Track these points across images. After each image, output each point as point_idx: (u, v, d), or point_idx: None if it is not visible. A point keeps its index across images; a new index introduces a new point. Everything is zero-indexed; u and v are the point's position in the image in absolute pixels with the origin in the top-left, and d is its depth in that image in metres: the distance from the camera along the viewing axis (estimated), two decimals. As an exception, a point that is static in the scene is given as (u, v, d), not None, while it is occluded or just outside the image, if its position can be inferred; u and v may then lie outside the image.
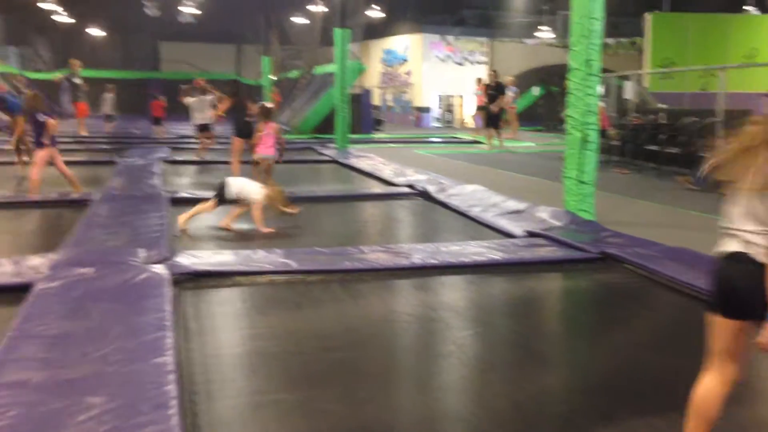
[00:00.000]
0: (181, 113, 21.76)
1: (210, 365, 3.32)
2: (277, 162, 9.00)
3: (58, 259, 4.88)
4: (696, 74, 17.63)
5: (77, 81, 16.53)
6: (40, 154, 8.10)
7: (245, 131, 9.79)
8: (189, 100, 13.13)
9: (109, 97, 19.55)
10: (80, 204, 7.48)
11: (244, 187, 6.62)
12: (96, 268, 4.63)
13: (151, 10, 25.59)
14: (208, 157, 12.79)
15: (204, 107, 13.00)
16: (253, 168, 9.03)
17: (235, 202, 6.59)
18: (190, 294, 4.47)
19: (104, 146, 15.31)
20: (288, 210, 6.68)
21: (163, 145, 15.17)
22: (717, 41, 19.10)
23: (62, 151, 12.33)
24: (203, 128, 13.25)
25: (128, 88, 29.31)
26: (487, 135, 15.72)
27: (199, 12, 26.12)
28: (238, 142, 9.97)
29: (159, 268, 4.67)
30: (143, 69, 32.44)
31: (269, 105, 9.23)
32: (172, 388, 2.84)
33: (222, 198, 6.53)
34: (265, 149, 8.75)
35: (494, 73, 16.33)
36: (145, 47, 33.62)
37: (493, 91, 15.38)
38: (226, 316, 4.16)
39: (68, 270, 4.59)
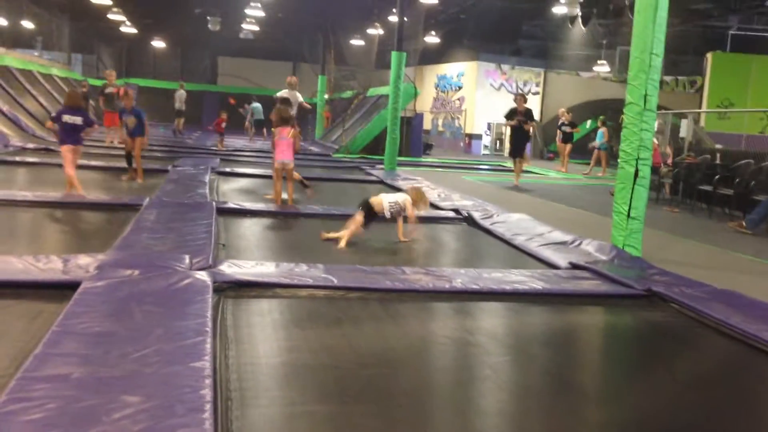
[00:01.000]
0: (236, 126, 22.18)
1: (246, 373, 3.34)
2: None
3: (105, 260, 4.99)
4: (756, 116, 17.27)
5: (109, 91, 16.92)
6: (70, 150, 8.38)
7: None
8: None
9: (179, 94, 20.00)
10: (131, 208, 7.66)
11: (397, 201, 7.16)
12: (141, 270, 4.72)
13: (212, 25, 26.21)
14: (253, 169, 12.96)
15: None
16: (274, 174, 9.11)
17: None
18: (230, 302, 4.52)
19: (158, 154, 15.66)
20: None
21: (214, 157, 15.45)
22: (779, 84, 18.68)
23: (112, 156, 12.71)
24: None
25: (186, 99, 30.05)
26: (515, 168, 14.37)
27: (258, 29, 26.66)
28: None
29: (202, 275, 4.74)
30: (201, 81, 33.23)
31: (286, 112, 9.33)
32: (207, 393, 2.87)
33: (371, 216, 7.01)
34: (282, 154, 8.83)
35: (521, 97, 14.48)
36: (204, 61, 34.47)
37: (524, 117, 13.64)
38: (264, 326, 4.19)
39: (114, 271, 4.69)
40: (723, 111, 17.52)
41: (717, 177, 10.74)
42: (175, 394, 2.84)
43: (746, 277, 6.27)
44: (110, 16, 25.13)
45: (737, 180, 10.46)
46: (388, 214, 7.07)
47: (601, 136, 17.71)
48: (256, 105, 23.76)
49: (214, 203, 8.21)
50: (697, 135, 14.26)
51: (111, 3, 23.48)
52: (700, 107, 19.23)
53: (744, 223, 9.08)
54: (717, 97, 19.09)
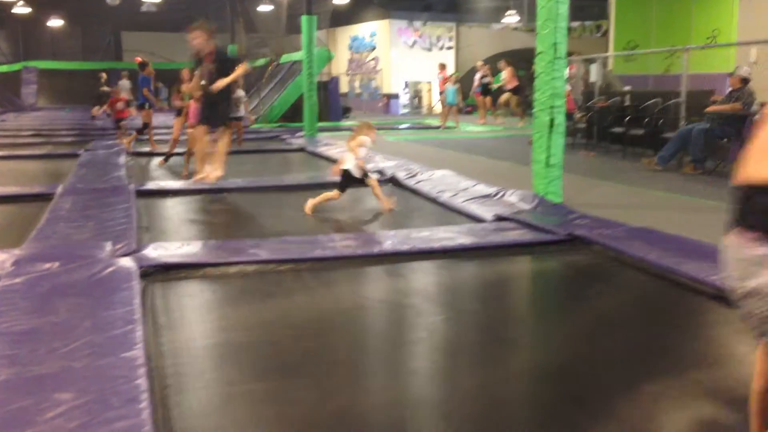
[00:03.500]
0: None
1: (181, 358, 3.30)
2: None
3: (21, 255, 4.79)
4: (660, 56, 17.82)
5: None
6: None
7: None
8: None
9: (123, 84, 18.96)
10: (44, 197, 7.35)
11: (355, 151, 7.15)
12: (61, 262, 4.56)
13: (111, 0, 25.13)
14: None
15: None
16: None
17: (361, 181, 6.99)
18: (159, 286, 4.42)
19: (67, 138, 15.04)
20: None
21: (127, 136, 14.92)
22: (680, 23, 19.29)
23: (23, 144, 12.15)
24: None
25: (89, 79, 28.86)
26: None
27: (160, 0, 25.70)
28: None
29: (126, 261, 4.61)
30: (104, 59, 31.92)
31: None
32: (142, 382, 2.82)
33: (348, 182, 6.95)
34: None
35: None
36: (106, 37, 33.07)
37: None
38: (196, 308, 4.13)
39: (32, 265, 4.51)
40: (630, 53, 18.00)
41: (628, 118, 11.09)
42: (109, 386, 2.78)
43: (661, 212, 6.54)
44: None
45: (647, 120, 10.83)
46: (357, 172, 7.01)
47: (454, 92, 17.69)
48: (124, 82, 22.60)
49: (132, 186, 7.96)
50: (606, 78, 14.64)
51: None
52: (607, 51, 19.72)
53: (656, 161, 9.44)
54: (622, 40, 19.59)
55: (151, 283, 4.45)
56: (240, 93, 13.62)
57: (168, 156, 10.70)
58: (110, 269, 4.43)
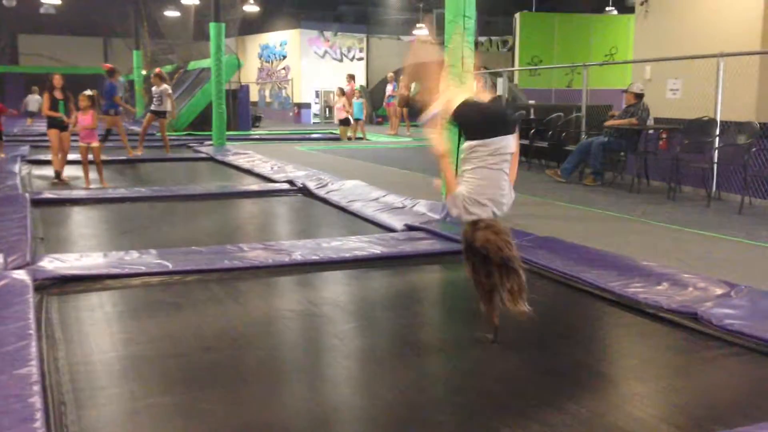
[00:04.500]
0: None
1: (79, 373, 3.14)
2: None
3: None
4: (562, 71, 18.51)
5: None
6: None
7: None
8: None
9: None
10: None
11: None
12: (-52, 275, 4.28)
13: (7, 1, 23.95)
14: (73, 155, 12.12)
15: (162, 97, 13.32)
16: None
17: None
18: (55, 300, 4.21)
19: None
20: None
21: (22, 144, 14.25)
22: (580, 40, 20.12)
23: None
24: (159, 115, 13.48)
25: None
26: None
27: (60, 2, 24.68)
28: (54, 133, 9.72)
29: (20, 274, 4.38)
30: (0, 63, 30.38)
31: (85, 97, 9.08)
32: (36, 400, 2.67)
33: None
34: (86, 138, 9.11)
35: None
36: (2, 40, 31.48)
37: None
38: (96, 321, 3.95)
39: None
40: (534, 68, 18.61)
41: (532, 131, 11.44)
42: (0, 406, 2.62)
43: (563, 223, 6.77)
44: None
45: (550, 132, 11.21)
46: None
47: (359, 105, 17.97)
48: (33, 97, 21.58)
49: (27, 194, 7.58)
50: (512, 92, 15.06)
51: None
52: (512, 65, 20.32)
53: (559, 172, 9.77)
54: (527, 55, 20.24)
55: (46, 296, 4.24)
56: (164, 86, 13.31)
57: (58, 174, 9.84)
58: (2, 282, 4.19)
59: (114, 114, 12.74)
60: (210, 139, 15.50)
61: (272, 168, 10.51)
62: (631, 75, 11.09)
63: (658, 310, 4.02)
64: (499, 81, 14.48)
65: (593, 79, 12.06)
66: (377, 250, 5.44)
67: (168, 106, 13.59)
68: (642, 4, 10.37)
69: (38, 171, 10.69)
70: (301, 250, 5.36)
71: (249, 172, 10.78)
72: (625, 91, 9.40)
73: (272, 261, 5.08)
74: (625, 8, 19.79)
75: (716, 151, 8.14)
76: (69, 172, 9.94)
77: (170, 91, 13.71)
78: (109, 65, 14.19)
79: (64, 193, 8.26)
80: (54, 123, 9.54)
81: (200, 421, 2.70)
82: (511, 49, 23.49)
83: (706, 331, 3.71)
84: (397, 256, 5.39)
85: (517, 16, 21.08)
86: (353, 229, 6.54)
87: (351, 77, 19.03)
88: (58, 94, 9.49)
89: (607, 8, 21.40)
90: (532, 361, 3.43)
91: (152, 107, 13.69)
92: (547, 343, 3.67)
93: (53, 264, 4.76)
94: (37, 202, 7.35)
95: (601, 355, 3.60)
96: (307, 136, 18.66)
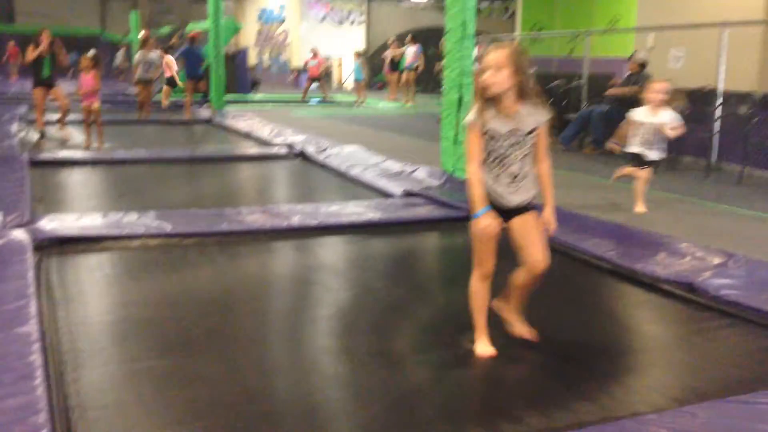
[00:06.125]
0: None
1: (78, 334, 3.16)
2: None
3: None
4: (564, 39, 18.34)
5: None
6: None
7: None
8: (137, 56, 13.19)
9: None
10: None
11: None
12: (-53, 234, 4.28)
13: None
14: (72, 115, 12.06)
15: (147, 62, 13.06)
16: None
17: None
18: (55, 260, 4.22)
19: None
20: None
21: (19, 104, 14.14)
22: (583, 8, 19.88)
23: None
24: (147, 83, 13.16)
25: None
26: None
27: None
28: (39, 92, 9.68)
29: (19, 233, 4.38)
30: (-4, 22, 30.00)
31: (87, 59, 9.04)
32: (36, 358, 2.69)
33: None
34: (87, 98, 9.03)
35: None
36: (-2, -2, 31.07)
37: None
38: (95, 282, 3.96)
39: None
40: (536, 35, 18.44)
41: (533, 99, 11.37)
42: (0, 363, 2.64)
43: (563, 191, 6.72)
44: None
45: (551, 100, 11.14)
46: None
47: (358, 68, 18.25)
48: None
49: (25, 155, 7.55)
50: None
51: None
52: (513, 32, 20.12)
53: (559, 140, 9.75)
54: (529, 22, 20.04)
55: (46, 256, 4.24)
56: (152, 55, 13.18)
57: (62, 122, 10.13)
58: (1, 241, 4.19)
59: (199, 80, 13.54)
60: (209, 102, 15.39)
61: (271, 132, 10.46)
62: (634, 44, 11.01)
63: (654, 280, 4.04)
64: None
65: (595, 48, 11.96)
66: (375, 215, 5.44)
67: (155, 74, 13.47)
68: (647, -29, 10.26)
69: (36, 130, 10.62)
70: (299, 214, 5.36)
71: (248, 135, 10.73)
72: (629, 60, 9.32)
73: (270, 225, 5.09)
74: (630, -25, 19.51)
75: (717, 121, 8.11)
76: (60, 132, 9.91)
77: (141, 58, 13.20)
78: (195, 33, 14.30)
79: (63, 154, 8.23)
80: (39, 81, 9.50)
81: (196, 385, 2.73)
82: (513, 15, 23.23)
83: (702, 301, 3.73)
84: (396, 222, 5.40)
85: (519, -19, 20.82)
86: (352, 194, 6.53)
87: (315, 53, 18.76)
88: (42, 50, 9.30)
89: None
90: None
91: (138, 75, 13.25)
92: (543, 312, 3.68)
93: (52, 224, 4.75)
94: (36, 163, 7.33)
95: (595, 326, 3.61)
96: (305, 100, 18.52)
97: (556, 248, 4.71)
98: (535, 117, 2.90)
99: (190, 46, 13.89)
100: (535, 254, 3.04)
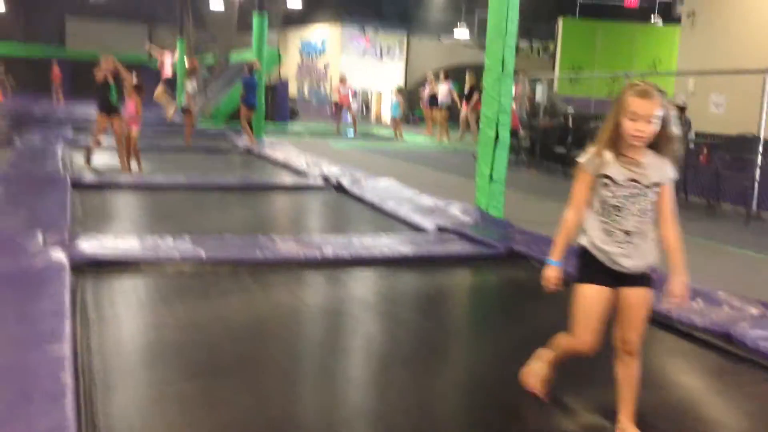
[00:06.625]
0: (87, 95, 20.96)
1: (110, 355, 3.20)
2: None
3: (-54, 242, 4.59)
4: (603, 80, 18.31)
5: None
6: None
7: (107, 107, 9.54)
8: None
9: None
10: (-27, 184, 7.07)
11: None
12: (-12, 251, 4.38)
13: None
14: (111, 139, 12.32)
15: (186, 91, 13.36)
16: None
17: None
18: (91, 281, 4.29)
19: (2, 125, 14.52)
20: None
21: (65, 126, 14.52)
22: (623, 49, 19.88)
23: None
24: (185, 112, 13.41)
25: (29, 65, 27.95)
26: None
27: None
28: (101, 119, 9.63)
29: (57, 253, 4.46)
30: (47, 44, 30.90)
31: (140, 83, 9.20)
32: (68, 379, 2.72)
33: None
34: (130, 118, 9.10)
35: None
36: (50, 22, 32.02)
37: None
38: (129, 304, 4.02)
39: (-43, 253, 4.32)
40: (575, 76, 18.45)
41: (570, 139, 11.34)
42: (32, 382, 2.68)
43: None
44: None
45: (589, 141, 11.09)
46: None
47: (396, 105, 18.32)
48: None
49: (68, 176, 7.73)
50: (551, 99, 14.95)
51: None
52: (553, 72, 20.15)
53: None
54: (568, 62, 20.07)
55: (82, 276, 4.32)
56: (187, 84, 13.44)
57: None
58: (40, 260, 4.28)
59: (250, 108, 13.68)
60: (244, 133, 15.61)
61: (307, 163, 10.56)
62: (674, 87, 10.94)
63: (691, 328, 3.96)
64: (538, 87, 14.37)
65: (635, 90, 11.91)
66: (408, 249, 5.44)
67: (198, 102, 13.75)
68: (689, 16, 10.22)
69: (80, 153, 10.87)
70: (332, 245, 5.38)
71: (284, 165, 10.85)
72: (667, 103, 9.26)
73: (303, 255, 5.11)
74: (671, 19, 19.49)
75: (758, 169, 7.99)
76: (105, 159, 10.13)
77: (188, 88, 13.55)
78: (253, 61, 14.60)
79: (103, 177, 8.41)
80: (104, 107, 9.40)
81: (223, 411, 2.73)
82: (552, 55, 23.29)
83: (739, 352, 3.65)
84: (428, 257, 5.39)
85: (559, 21, 20.91)
86: (385, 227, 6.55)
87: (343, 80, 19.03)
88: (100, 76, 9.40)
89: (652, 18, 21.09)
90: (557, 374, 3.39)
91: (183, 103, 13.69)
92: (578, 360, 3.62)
93: (90, 246, 4.84)
94: (78, 185, 7.49)
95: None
96: (343, 132, 18.69)
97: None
98: (661, 170, 2.53)
99: (250, 75, 14.07)
100: (629, 334, 2.63)
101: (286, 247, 5.27)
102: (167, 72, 14.69)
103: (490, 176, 6.92)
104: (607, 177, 2.54)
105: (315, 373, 3.27)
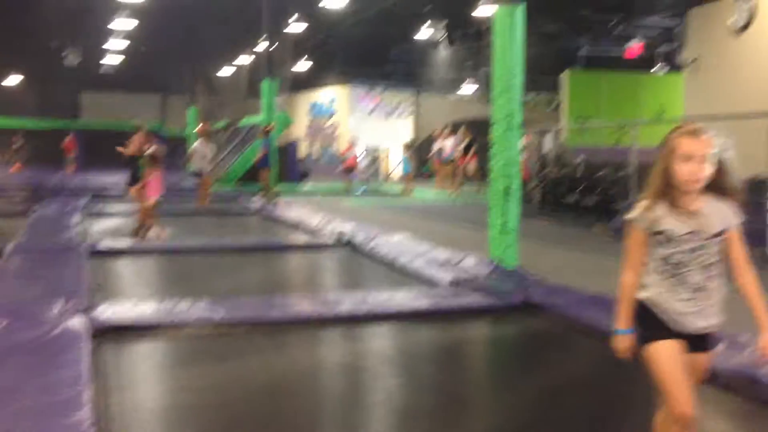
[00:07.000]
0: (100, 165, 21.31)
1: (130, 420, 3.20)
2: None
3: (-33, 313, 4.64)
4: (610, 129, 18.46)
5: None
6: None
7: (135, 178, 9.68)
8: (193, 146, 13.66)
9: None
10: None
11: None
12: (8, 321, 4.42)
13: (70, 59, 25.08)
14: (125, 207, 12.46)
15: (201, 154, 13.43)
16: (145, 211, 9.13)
17: None
18: (110, 347, 4.31)
19: (18, 197, 14.77)
20: None
21: (82, 196, 14.74)
22: (629, 98, 20.11)
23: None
24: (198, 175, 13.52)
25: (44, 137, 28.55)
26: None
27: (121, 61, 25.78)
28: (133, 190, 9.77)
29: (76, 321, 4.50)
30: (62, 118, 31.62)
31: (155, 153, 9.30)
32: (88, 446, 2.73)
33: None
34: (157, 191, 8.99)
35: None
36: (64, 96, 32.84)
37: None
38: (147, 369, 4.03)
39: (-22, 324, 4.37)
40: (582, 126, 18.62)
41: (580, 188, 11.39)
42: (53, 450, 2.69)
43: (614, 280, 6.65)
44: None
45: (599, 190, 11.14)
46: None
47: (406, 160, 18.81)
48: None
49: (85, 245, 7.82)
50: (559, 150, 15.07)
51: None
52: (559, 123, 20.34)
53: (608, 230, 9.67)
54: (574, 113, 20.28)
55: (101, 343, 4.34)
56: (198, 147, 13.55)
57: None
58: (59, 328, 4.31)
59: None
60: (259, 193, 15.79)
61: (319, 221, 10.63)
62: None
63: (714, 372, 3.91)
64: (546, 138, 14.50)
65: (642, 137, 12.00)
66: (423, 304, 5.44)
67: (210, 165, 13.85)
68: (692, 62, 10.37)
69: (96, 221, 11.02)
70: (347, 302, 5.39)
71: (296, 225, 10.93)
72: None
73: (318, 313, 5.13)
74: (675, 66, 19.73)
75: (769, 212, 7.97)
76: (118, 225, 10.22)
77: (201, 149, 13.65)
78: (269, 126, 14.94)
79: (120, 244, 8.49)
80: (135, 179, 9.59)
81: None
82: (558, 106, 23.55)
83: (764, 397, 3.59)
84: (444, 310, 5.38)
85: (564, 73, 21.22)
86: (399, 282, 6.56)
87: (351, 143, 19.71)
88: (132, 149, 9.58)
89: (655, 67, 21.37)
90: (575, 427, 3.36)
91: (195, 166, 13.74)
92: (595, 406, 3.60)
93: (109, 312, 4.88)
94: (94, 253, 7.57)
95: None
96: (353, 190, 18.86)
97: (608, 339, 4.62)
98: (724, 216, 2.30)
99: (266, 138, 14.33)
100: (682, 397, 2.33)
101: (301, 305, 5.29)
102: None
103: (503, 227, 6.95)
104: (663, 233, 2.31)
105: (336, 429, 3.25)
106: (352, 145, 19.02)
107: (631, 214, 2.37)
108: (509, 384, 4.12)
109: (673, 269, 2.32)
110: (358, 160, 19.14)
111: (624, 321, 2.42)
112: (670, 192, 2.28)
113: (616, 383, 3.98)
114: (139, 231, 9.13)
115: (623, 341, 2.42)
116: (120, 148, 11.43)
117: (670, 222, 2.30)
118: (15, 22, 20.92)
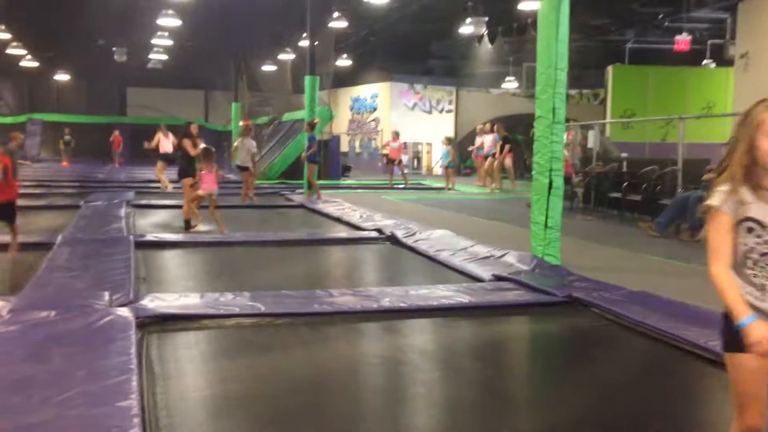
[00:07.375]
0: (147, 157, 21.69)
1: (175, 409, 3.26)
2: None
3: (18, 303, 4.78)
4: (656, 124, 18.12)
5: None
6: None
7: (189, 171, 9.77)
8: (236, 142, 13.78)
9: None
10: (43, 247, 7.35)
11: None
12: (58, 311, 4.54)
13: (118, 56, 25.59)
14: (170, 200, 12.67)
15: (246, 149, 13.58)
16: (194, 204, 9.30)
17: None
18: (155, 337, 4.40)
19: (68, 190, 15.13)
20: None
21: (128, 190, 15.04)
22: (676, 93, 19.72)
23: (25, 195, 12.13)
24: (244, 170, 13.65)
25: (92, 132, 29.23)
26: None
27: (166, 58, 26.21)
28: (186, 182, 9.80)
29: (123, 311, 4.60)
30: (109, 113, 32.32)
31: (208, 147, 9.42)
32: (136, 432, 2.78)
33: None
34: (210, 185, 9.03)
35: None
36: (112, 92, 33.56)
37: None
38: (192, 359, 4.09)
39: (29, 313, 4.49)
40: (627, 121, 18.33)
41: (625, 184, 11.21)
42: (102, 436, 2.75)
43: (659, 277, 6.55)
44: (9, 51, 24.19)
45: (644, 186, 10.94)
46: None
47: (446, 155, 18.24)
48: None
49: (131, 237, 7.98)
50: (603, 145, 14.86)
51: (10, 37, 22.66)
52: (604, 118, 20.05)
53: (653, 226, 9.49)
54: (619, 108, 19.98)
55: (147, 333, 4.43)
56: (246, 143, 13.72)
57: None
58: (107, 318, 4.41)
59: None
60: (301, 188, 15.90)
61: (361, 216, 10.67)
62: (731, 129, 10.75)
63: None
64: (590, 134, 14.31)
65: (690, 133, 11.76)
66: (465, 299, 5.43)
67: (253, 160, 13.91)
68: (742, 57, 10.10)
69: (142, 214, 11.23)
70: (389, 297, 5.41)
71: (338, 219, 10.98)
72: (726, 145, 9.11)
73: (360, 307, 5.15)
74: (724, 61, 19.27)
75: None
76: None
77: (245, 144, 13.75)
78: (315, 120, 14.99)
79: (165, 236, 8.64)
80: (188, 172, 9.69)
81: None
82: (603, 101, 23.21)
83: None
84: (485, 306, 5.36)
85: (609, 68, 20.90)
86: (441, 277, 6.54)
87: (396, 134, 19.38)
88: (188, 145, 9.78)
89: (704, 61, 20.89)
90: (619, 423, 3.31)
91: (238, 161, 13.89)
92: (640, 403, 3.54)
93: (154, 303, 4.98)
94: (140, 244, 7.72)
95: (700, 420, 3.44)
96: (395, 185, 18.87)
97: (654, 336, 4.56)
98: None
99: (311, 133, 14.37)
100: (755, 411, 2.13)
101: (343, 299, 5.31)
102: (165, 148, 15.42)
103: (545, 223, 6.88)
104: (751, 220, 2.08)
105: (377, 421, 3.27)
106: (395, 139, 18.98)
107: (714, 200, 2.12)
108: (552, 380, 4.08)
109: (763, 261, 2.08)
110: (401, 154, 19.05)
111: (744, 310, 2.04)
112: (754, 174, 2.05)
113: (661, 380, 3.92)
114: (186, 224, 9.31)
115: (756, 329, 2.01)
116: (146, 143, 11.62)
117: (758, 208, 2.08)
118: (65, 22, 21.42)
